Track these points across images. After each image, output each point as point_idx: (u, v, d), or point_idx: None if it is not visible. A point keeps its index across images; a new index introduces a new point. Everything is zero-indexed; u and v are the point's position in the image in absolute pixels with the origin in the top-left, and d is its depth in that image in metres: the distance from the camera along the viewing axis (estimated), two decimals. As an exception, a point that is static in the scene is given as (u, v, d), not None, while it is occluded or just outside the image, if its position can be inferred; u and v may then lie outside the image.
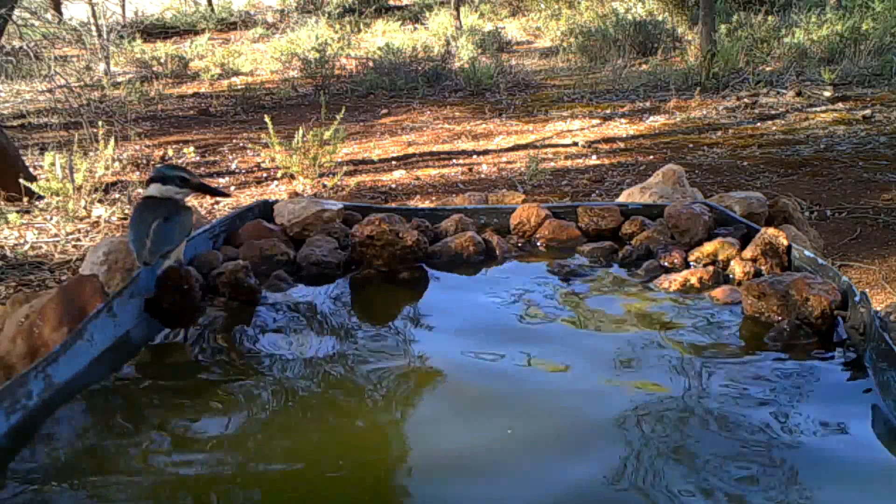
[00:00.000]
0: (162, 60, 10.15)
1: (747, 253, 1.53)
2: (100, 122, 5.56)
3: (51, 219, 4.33)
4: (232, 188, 5.17)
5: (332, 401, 1.16)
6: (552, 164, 5.46)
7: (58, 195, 4.38)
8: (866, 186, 4.62)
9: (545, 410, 1.11)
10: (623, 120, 6.74)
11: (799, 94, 7.04)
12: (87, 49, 9.79)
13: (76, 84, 8.21)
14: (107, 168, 5.16)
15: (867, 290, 3.15)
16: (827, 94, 6.98)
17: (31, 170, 5.11)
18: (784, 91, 7.22)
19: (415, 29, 13.06)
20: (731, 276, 1.51)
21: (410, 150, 6.07)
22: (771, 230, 1.53)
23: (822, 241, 2.13)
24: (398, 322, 1.41)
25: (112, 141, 5.24)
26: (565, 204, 1.85)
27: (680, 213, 1.68)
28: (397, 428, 1.08)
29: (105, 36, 9.99)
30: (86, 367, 1.19)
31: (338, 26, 12.25)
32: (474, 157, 5.80)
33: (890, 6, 8.95)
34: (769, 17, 9.73)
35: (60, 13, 12.55)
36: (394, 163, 5.72)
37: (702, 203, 1.75)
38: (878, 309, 1.26)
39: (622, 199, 2.08)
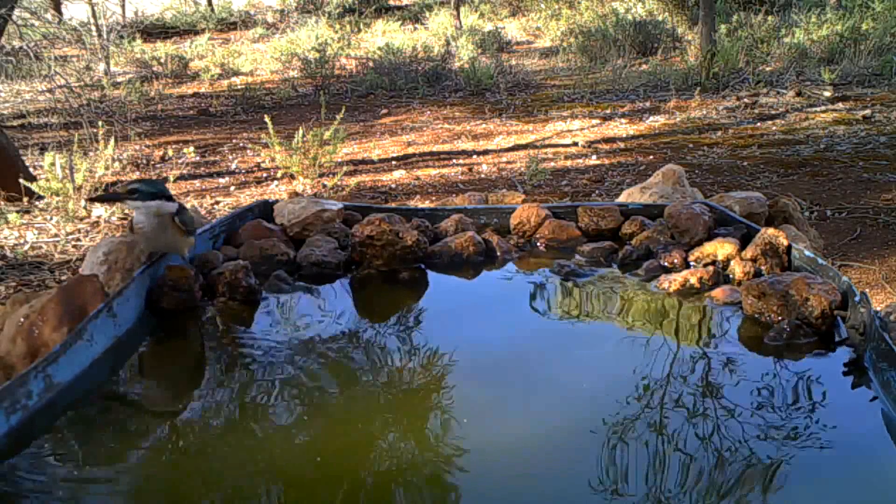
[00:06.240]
0: (162, 60, 10.15)
1: (747, 253, 1.53)
2: (100, 122, 5.55)
3: (51, 219, 4.33)
4: (232, 188, 5.17)
5: (332, 400, 1.16)
6: (552, 164, 5.46)
7: (58, 195, 4.37)
8: (866, 186, 4.62)
9: (549, 411, 1.11)
10: (623, 120, 6.74)
11: (799, 94, 7.04)
12: (87, 49, 9.79)
13: (76, 84, 8.20)
14: (107, 168, 5.15)
15: (867, 290, 3.15)
16: (827, 94, 6.98)
17: (31, 170, 5.10)
18: (784, 91, 7.23)
19: (415, 29, 13.06)
20: (731, 276, 1.51)
21: (410, 150, 6.07)
22: (771, 230, 1.53)
23: (822, 241, 2.13)
24: (398, 322, 1.41)
25: (112, 141, 5.23)
26: (565, 204, 1.85)
27: (680, 213, 1.68)
28: (398, 429, 1.08)
29: (105, 36, 9.99)
30: (86, 367, 1.19)
31: (338, 26, 12.24)
32: (474, 157, 5.79)
33: (890, 6, 8.95)
34: (769, 17, 9.73)
35: (60, 13, 12.54)
36: (394, 163, 5.72)
37: (702, 203, 1.75)
38: (878, 309, 1.26)
39: (622, 199, 2.08)
